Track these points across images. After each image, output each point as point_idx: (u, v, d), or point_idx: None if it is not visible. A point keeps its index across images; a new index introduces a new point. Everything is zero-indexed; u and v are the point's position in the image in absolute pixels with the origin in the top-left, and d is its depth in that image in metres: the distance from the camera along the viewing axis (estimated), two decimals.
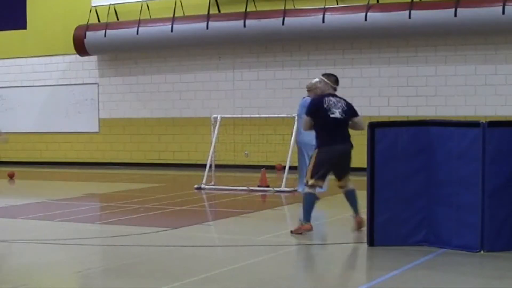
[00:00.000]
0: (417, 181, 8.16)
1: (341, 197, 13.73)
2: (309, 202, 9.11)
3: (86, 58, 21.86)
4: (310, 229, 9.09)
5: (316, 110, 9.00)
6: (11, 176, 17.84)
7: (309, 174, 9.01)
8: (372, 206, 8.20)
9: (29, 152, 19.28)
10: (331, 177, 9.59)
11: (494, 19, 16.73)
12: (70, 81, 22.33)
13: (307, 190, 9.10)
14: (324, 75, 9.40)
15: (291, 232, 9.14)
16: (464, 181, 7.87)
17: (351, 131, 9.19)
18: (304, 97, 12.71)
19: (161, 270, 7.31)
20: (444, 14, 17.12)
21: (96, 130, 22.18)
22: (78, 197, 14.01)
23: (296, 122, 13.77)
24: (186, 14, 20.12)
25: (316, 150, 9.00)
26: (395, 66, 18.68)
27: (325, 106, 8.94)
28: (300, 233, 9.04)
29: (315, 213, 11.65)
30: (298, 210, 12.37)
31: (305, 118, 9.15)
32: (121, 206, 12.47)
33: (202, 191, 14.51)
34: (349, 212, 11.24)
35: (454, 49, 18.09)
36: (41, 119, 21.35)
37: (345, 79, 19.15)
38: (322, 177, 9.09)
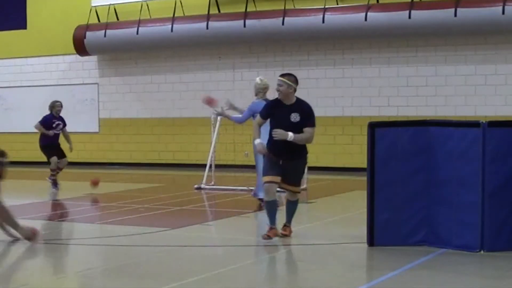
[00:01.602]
0: (417, 181, 8.16)
1: (340, 197, 13.79)
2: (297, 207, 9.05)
3: (86, 58, 21.86)
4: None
5: None
6: None
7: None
8: (372, 206, 8.20)
9: (29, 152, 19.15)
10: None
11: (494, 19, 16.73)
12: (70, 81, 22.34)
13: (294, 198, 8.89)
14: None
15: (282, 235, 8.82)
16: (464, 181, 7.87)
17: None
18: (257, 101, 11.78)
19: (161, 270, 7.31)
20: (444, 14, 17.12)
21: (96, 130, 22.19)
22: (78, 197, 14.01)
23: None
24: (186, 14, 20.12)
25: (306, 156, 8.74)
26: (395, 66, 18.68)
27: None
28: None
29: (315, 213, 11.67)
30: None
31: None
32: (121, 206, 12.47)
33: (202, 191, 14.51)
34: (349, 212, 11.27)
35: (454, 49, 18.09)
36: None
37: (345, 79, 19.21)
38: None
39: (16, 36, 22.98)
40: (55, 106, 15.47)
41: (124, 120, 21.83)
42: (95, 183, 14.88)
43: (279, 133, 8.31)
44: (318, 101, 19.42)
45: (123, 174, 19.56)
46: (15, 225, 8.60)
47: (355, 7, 18.24)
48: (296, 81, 8.52)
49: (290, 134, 8.28)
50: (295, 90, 8.51)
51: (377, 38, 18.42)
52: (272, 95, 9.38)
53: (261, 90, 11.79)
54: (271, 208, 8.64)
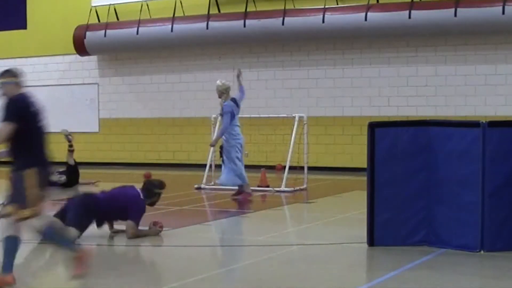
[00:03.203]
0: (417, 181, 8.15)
1: (340, 197, 13.77)
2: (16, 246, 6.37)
3: (86, 58, 21.87)
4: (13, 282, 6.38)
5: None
6: None
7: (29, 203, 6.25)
8: (372, 206, 8.20)
9: None
10: None
11: (494, 19, 16.73)
12: (70, 81, 22.34)
13: (13, 232, 6.28)
14: None
15: None
16: (464, 181, 7.87)
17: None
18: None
19: (161, 270, 7.31)
20: (444, 14, 17.12)
21: (96, 130, 22.19)
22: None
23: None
24: (186, 14, 20.12)
25: (32, 170, 6.29)
26: (395, 66, 18.67)
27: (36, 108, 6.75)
28: None
29: (315, 213, 11.63)
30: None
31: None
32: None
33: (202, 191, 14.50)
34: (349, 212, 11.23)
35: (454, 49, 18.09)
36: None
37: (345, 79, 19.21)
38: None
39: (16, 36, 22.98)
40: None
41: (124, 120, 21.83)
42: None
43: None
44: (318, 101, 19.46)
45: (123, 174, 19.55)
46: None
47: (355, 7, 18.24)
48: (12, 75, 6.56)
49: None
50: (17, 85, 6.58)
51: (377, 38, 18.42)
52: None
53: (224, 91, 13.04)
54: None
